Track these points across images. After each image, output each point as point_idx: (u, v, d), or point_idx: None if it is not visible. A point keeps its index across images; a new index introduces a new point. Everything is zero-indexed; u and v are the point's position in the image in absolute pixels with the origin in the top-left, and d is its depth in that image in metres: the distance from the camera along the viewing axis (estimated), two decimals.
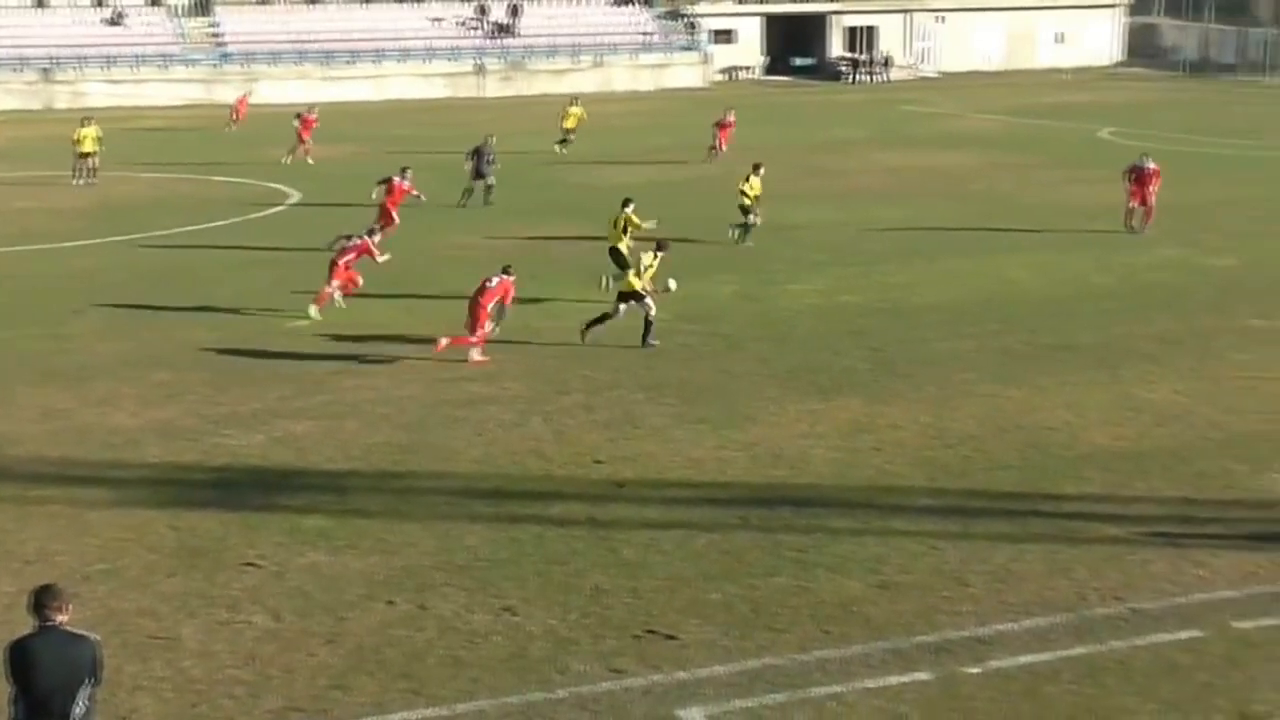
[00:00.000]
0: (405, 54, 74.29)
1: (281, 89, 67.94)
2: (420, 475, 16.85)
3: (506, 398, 19.85)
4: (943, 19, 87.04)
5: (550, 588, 13.58)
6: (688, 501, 15.95)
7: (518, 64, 75.67)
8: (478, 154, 37.50)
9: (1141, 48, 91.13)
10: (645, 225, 27.07)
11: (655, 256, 22.84)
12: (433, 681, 11.77)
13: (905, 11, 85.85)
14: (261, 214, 36.38)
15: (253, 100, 58.92)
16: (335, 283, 24.78)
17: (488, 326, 21.81)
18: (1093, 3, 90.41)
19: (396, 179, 32.00)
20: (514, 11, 77.60)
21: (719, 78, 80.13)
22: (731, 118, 45.84)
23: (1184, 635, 12.51)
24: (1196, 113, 60.19)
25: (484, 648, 12.39)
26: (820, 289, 26.60)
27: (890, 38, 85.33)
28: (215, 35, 73.93)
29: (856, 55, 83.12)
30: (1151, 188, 32.18)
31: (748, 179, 31.02)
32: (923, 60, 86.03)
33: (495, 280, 21.94)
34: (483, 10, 77.70)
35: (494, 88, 73.87)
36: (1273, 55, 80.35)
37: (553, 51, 76.46)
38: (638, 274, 22.57)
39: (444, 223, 33.86)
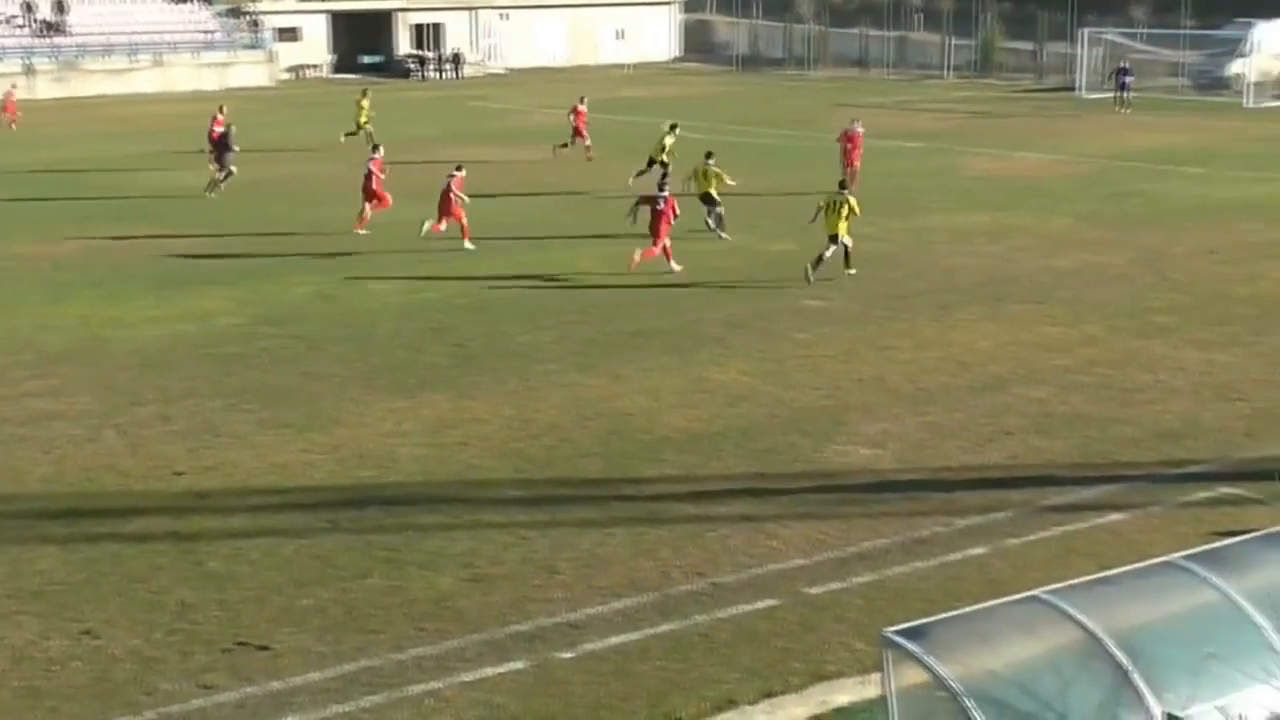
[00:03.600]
0: None
1: None
2: None
3: (75, 412, 18.97)
4: (507, 16, 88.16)
5: (133, 607, 13.09)
6: (274, 508, 15.66)
7: (70, 64, 72.19)
8: (221, 142, 37.71)
9: (697, 44, 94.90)
10: (729, 181, 31.15)
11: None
12: (8, 715, 11.16)
13: (470, 9, 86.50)
14: None
15: None
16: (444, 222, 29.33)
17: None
18: (649, 0, 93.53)
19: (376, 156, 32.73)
20: (60, 8, 73.98)
21: (286, 76, 78.74)
22: (583, 105, 45.62)
23: (761, 605, 13.15)
24: (749, 105, 63.02)
25: (63, 675, 11.83)
26: (400, 287, 26.53)
27: (457, 35, 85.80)
28: None
29: (425, 52, 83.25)
30: (858, 150, 36.00)
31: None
32: (490, 57, 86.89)
33: (662, 201, 27.11)
34: (28, 7, 73.72)
35: (46, 89, 70.18)
36: (814, 50, 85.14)
37: (108, 50, 73.33)
38: (834, 214, 26.38)
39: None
